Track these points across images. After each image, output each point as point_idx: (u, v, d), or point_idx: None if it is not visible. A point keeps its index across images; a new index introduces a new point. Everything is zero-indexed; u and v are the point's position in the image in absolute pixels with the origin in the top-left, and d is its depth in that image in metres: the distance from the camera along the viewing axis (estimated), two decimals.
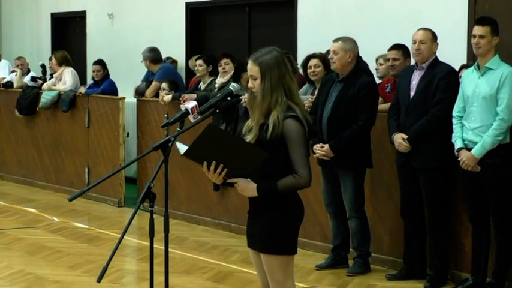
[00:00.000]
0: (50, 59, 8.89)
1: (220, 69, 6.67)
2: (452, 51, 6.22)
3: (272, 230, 3.07)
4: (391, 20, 6.70)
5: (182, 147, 3.00)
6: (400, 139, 4.87)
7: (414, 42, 4.93)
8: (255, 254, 3.20)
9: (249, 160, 2.98)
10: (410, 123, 4.86)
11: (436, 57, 4.92)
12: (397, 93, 5.11)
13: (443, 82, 4.79)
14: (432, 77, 4.82)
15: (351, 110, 4.99)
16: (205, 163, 2.98)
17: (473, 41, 4.62)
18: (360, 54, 5.23)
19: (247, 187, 3.05)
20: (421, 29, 4.99)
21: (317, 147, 5.10)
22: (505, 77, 4.49)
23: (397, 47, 5.60)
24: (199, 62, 6.93)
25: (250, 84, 3.11)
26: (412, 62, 5.26)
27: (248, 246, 3.23)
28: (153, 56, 7.66)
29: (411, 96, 4.90)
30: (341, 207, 5.23)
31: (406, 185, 5.00)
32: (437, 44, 4.94)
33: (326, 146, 5.05)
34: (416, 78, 4.93)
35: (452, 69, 4.97)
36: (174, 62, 8.43)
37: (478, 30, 4.59)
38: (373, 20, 6.93)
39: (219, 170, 2.97)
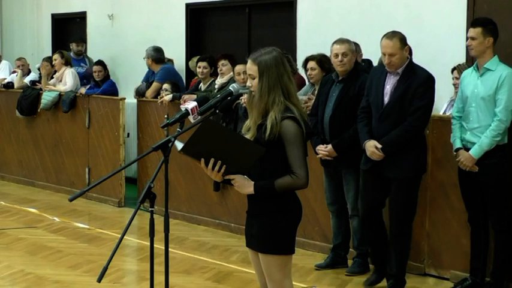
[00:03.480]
0: (44, 60, 8.92)
1: (218, 70, 6.71)
2: (451, 52, 6.25)
3: (270, 230, 3.09)
4: (391, 22, 6.69)
5: (180, 146, 3.00)
6: (373, 147, 4.63)
7: (384, 54, 4.62)
8: (253, 253, 3.22)
9: (246, 155, 2.98)
10: (384, 131, 4.62)
11: (410, 59, 4.68)
12: (367, 96, 4.82)
13: (421, 89, 4.55)
14: (409, 83, 4.57)
15: (352, 109, 4.98)
16: (203, 160, 2.99)
17: (467, 43, 4.66)
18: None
19: (244, 184, 3.06)
20: (386, 38, 4.60)
21: (320, 148, 5.11)
22: (504, 78, 4.50)
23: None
24: (204, 64, 6.91)
25: (248, 83, 3.13)
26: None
27: (247, 246, 3.24)
28: (157, 55, 7.69)
29: (385, 102, 4.64)
30: (343, 206, 5.26)
31: (371, 192, 4.77)
32: (408, 46, 4.67)
33: (329, 146, 5.06)
34: (390, 82, 4.66)
35: (430, 75, 4.65)
36: (170, 60, 8.44)
37: (469, 32, 4.63)
38: (372, 21, 6.94)
39: (217, 167, 2.99)
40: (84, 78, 8.54)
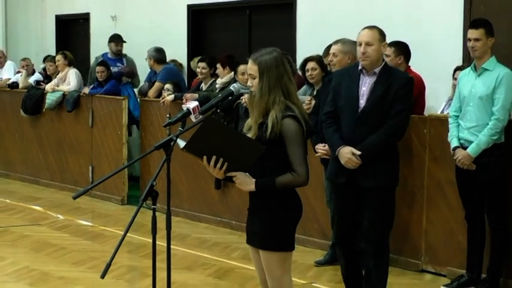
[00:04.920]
0: (45, 60, 8.98)
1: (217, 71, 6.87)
2: (448, 53, 6.30)
3: (272, 227, 3.13)
4: (389, 23, 6.73)
5: (182, 143, 3.04)
6: (349, 154, 4.14)
7: (360, 44, 4.22)
8: (254, 250, 3.26)
9: (247, 153, 3.03)
10: (361, 136, 4.15)
11: (385, 61, 4.34)
12: (333, 100, 4.36)
13: (402, 92, 4.15)
14: (389, 84, 4.15)
15: None
16: (205, 157, 3.04)
17: (469, 44, 4.65)
18: None
19: (246, 181, 3.10)
20: (365, 28, 4.28)
21: (319, 147, 5.14)
22: (501, 77, 4.55)
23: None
24: (203, 64, 6.98)
25: (249, 83, 3.18)
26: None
27: (247, 243, 3.29)
28: (158, 56, 7.76)
29: (361, 105, 4.18)
30: None
31: (345, 208, 4.29)
32: (386, 43, 4.31)
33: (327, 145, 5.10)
34: (366, 84, 4.21)
35: (411, 77, 4.36)
36: (180, 65, 8.53)
37: (472, 33, 4.63)
38: (371, 22, 6.93)
39: (219, 164, 3.03)
40: (115, 78, 8.16)
